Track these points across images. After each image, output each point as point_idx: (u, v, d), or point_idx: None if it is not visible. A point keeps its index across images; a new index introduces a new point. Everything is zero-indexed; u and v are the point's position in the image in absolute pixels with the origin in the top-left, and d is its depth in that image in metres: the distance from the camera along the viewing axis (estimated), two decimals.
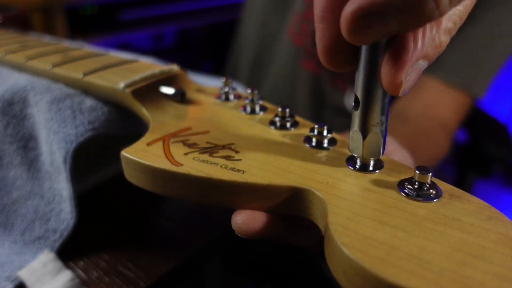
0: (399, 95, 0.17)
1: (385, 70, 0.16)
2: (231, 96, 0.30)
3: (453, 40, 0.59)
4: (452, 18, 0.17)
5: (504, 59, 0.55)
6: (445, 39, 0.17)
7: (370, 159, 0.21)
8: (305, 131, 0.25)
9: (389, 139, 0.34)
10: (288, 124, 0.25)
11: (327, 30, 0.17)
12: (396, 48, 0.16)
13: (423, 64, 0.17)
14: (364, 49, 0.17)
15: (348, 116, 0.64)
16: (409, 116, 0.53)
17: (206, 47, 1.55)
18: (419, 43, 0.16)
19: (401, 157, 0.30)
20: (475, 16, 0.53)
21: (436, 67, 0.55)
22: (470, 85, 0.54)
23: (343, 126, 0.65)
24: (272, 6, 0.70)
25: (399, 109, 0.56)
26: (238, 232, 0.21)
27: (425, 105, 0.54)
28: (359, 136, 0.20)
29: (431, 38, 0.16)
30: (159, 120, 0.27)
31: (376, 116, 0.19)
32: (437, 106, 0.55)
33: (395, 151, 0.30)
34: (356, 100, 0.19)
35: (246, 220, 0.21)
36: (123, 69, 0.33)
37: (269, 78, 0.72)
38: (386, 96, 0.18)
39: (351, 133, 0.20)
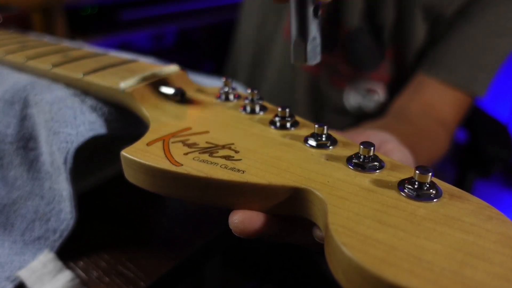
0: None
1: None
2: (231, 96, 0.30)
3: (452, 39, 0.59)
4: None
5: (503, 58, 0.55)
6: None
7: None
8: (305, 131, 0.25)
9: (389, 137, 0.34)
10: (288, 124, 0.25)
11: None
12: None
13: None
14: None
15: (348, 114, 0.65)
16: (409, 115, 0.54)
17: (206, 47, 1.55)
18: None
19: (401, 156, 0.30)
20: (474, 16, 0.54)
21: (436, 66, 0.55)
22: (470, 84, 0.54)
23: (343, 124, 0.65)
24: (269, 6, 0.70)
25: (398, 108, 0.56)
26: (235, 232, 0.21)
27: (425, 104, 0.54)
28: (301, 43, 0.23)
29: None
30: (159, 120, 0.27)
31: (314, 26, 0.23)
32: (437, 105, 0.55)
33: (395, 150, 0.30)
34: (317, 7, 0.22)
35: (243, 219, 0.21)
36: (123, 69, 0.33)
37: (268, 78, 0.72)
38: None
39: (295, 41, 0.23)
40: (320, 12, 0.22)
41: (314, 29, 0.23)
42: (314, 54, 0.23)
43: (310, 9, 0.22)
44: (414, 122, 0.52)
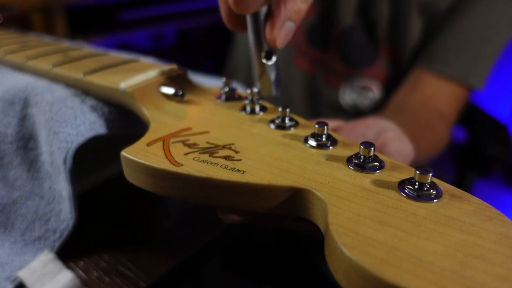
0: (277, 46, 0.25)
1: (266, 30, 0.25)
2: (231, 96, 0.30)
3: (447, 33, 0.59)
4: None
5: (499, 50, 0.55)
6: (303, 6, 0.24)
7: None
8: (305, 131, 0.25)
9: (390, 126, 0.34)
10: (288, 124, 0.25)
11: (225, 4, 0.27)
12: (270, 15, 0.25)
13: (291, 24, 0.25)
14: (249, 18, 0.26)
15: (344, 112, 0.65)
16: (408, 108, 0.54)
17: (206, 47, 1.55)
18: (283, 11, 0.24)
19: (401, 145, 0.30)
20: (468, 9, 0.54)
21: (432, 60, 0.55)
22: (466, 77, 0.54)
23: None
24: None
25: (398, 102, 0.56)
26: (220, 217, 0.23)
27: (424, 98, 0.54)
28: (268, 80, 0.28)
29: (292, 6, 0.24)
30: (159, 120, 0.27)
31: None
32: (435, 98, 0.55)
33: (395, 138, 0.30)
34: (268, 53, 0.27)
35: None
36: (123, 69, 0.33)
37: None
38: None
39: (262, 79, 0.28)
40: (273, 55, 0.27)
41: (273, 69, 0.28)
42: (278, 86, 0.28)
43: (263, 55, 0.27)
44: (413, 114, 0.52)
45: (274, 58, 0.27)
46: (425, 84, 0.55)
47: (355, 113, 0.65)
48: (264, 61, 0.27)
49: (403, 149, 0.29)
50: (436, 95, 0.55)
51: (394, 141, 0.29)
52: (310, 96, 0.67)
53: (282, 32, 0.24)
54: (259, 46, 0.27)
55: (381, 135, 0.30)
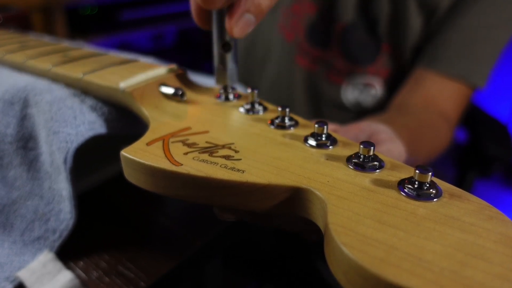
0: (235, 35, 0.27)
1: (226, 20, 0.27)
2: (231, 96, 0.30)
3: (449, 32, 0.59)
4: None
5: (500, 48, 0.55)
6: (263, 1, 0.26)
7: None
8: (305, 131, 0.25)
9: (383, 128, 0.34)
10: (288, 124, 0.25)
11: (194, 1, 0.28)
12: (231, 6, 0.26)
13: (250, 16, 0.26)
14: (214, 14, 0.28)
15: (346, 110, 0.65)
16: (410, 109, 0.54)
17: (206, 47, 1.55)
18: (243, 2, 0.26)
19: (392, 146, 0.30)
20: (469, 7, 0.54)
21: (434, 59, 0.55)
22: (469, 76, 0.54)
23: (343, 120, 0.65)
24: None
25: (399, 103, 0.56)
26: (216, 214, 0.23)
27: (426, 98, 0.54)
28: (224, 70, 0.30)
29: (251, 1, 0.26)
30: (159, 120, 0.27)
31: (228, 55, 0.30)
32: (438, 98, 0.55)
33: (387, 140, 0.30)
34: (226, 45, 0.30)
35: None
36: (123, 69, 0.33)
37: (266, 76, 0.72)
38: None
39: (219, 69, 0.30)
40: (232, 48, 0.30)
41: (230, 60, 0.30)
42: (232, 77, 0.31)
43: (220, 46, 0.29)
44: (415, 115, 0.52)
45: (231, 51, 0.30)
46: (427, 84, 0.55)
47: (358, 111, 0.64)
48: (221, 51, 0.30)
49: (393, 150, 0.30)
50: (439, 94, 0.55)
51: (384, 142, 0.29)
52: (311, 95, 0.67)
53: (240, 22, 0.26)
54: (220, 38, 0.29)
55: (372, 137, 0.30)
